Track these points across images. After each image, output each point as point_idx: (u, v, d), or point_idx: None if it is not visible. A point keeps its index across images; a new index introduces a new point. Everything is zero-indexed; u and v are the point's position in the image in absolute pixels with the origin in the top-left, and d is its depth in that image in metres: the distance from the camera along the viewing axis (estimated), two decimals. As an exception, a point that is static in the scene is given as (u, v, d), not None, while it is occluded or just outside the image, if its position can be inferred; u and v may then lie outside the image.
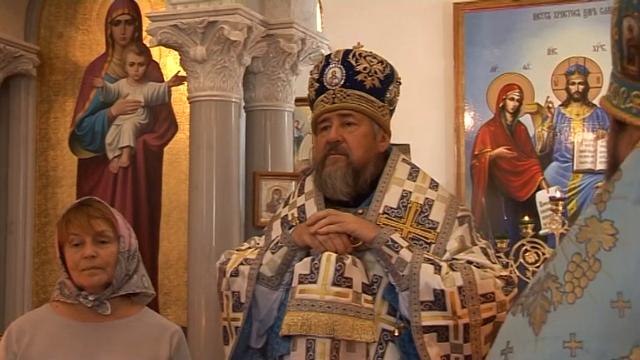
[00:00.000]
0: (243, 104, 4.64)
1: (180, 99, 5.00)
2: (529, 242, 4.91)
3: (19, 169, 5.35)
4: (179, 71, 4.91)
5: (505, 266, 4.75)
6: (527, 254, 4.89)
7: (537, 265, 4.82)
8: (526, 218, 5.08)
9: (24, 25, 5.37)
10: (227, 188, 4.39)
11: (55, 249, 2.60)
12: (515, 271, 4.79)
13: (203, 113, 4.42)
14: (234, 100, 4.47)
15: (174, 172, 5.02)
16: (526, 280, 4.74)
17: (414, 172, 2.66)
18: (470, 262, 2.47)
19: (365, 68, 2.60)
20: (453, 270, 2.43)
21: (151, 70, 5.14)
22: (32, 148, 5.37)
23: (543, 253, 4.86)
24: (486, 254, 2.55)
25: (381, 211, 2.57)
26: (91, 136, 5.23)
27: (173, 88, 5.07)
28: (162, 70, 5.12)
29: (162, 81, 5.10)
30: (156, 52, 5.09)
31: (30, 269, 5.28)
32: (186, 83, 4.64)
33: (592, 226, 0.99)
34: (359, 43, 2.72)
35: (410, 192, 2.60)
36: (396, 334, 2.45)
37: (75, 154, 5.28)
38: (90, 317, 2.55)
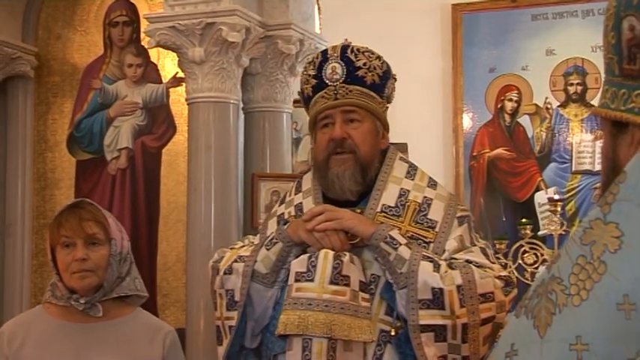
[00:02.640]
0: (241, 105, 4.63)
1: (178, 100, 4.99)
2: (528, 243, 4.92)
3: (17, 170, 5.34)
4: (177, 72, 4.90)
5: (504, 267, 4.75)
6: (525, 255, 4.89)
7: (536, 266, 4.82)
8: (524, 219, 5.08)
9: (22, 26, 5.36)
10: (225, 190, 4.38)
11: (47, 251, 2.59)
12: (514, 272, 4.80)
13: (201, 115, 4.41)
14: (232, 101, 4.46)
15: (173, 173, 5.01)
16: (524, 281, 4.74)
17: (412, 171, 2.62)
18: (469, 262, 2.44)
19: (365, 64, 2.56)
20: (452, 269, 2.39)
21: (149, 72, 5.13)
22: (30, 149, 5.36)
23: (542, 254, 4.86)
24: (485, 254, 2.51)
25: (378, 209, 2.53)
26: (89, 137, 5.22)
27: (171, 90, 5.06)
28: (161, 72, 5.11)
29: (161, 82, 5.09)
30: (154, 54, 5.08)
31: (28, 271, 5.27)
32: (184, 85, 4.63)
33: (597, 229, 0.99)
34: (347, 40, 2.69)
35: (408, 190, 2.56)
36: (393, 333, 2.41)
37: (73, 155, 5.27)
38: (82, 318, 2.53)
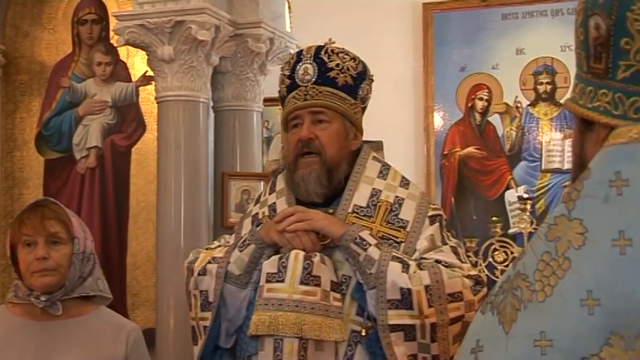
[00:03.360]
0: (211, 104, 4.61)
1: (148, 99, 4.96)
2: (498, 241, 4.94)
3: (-16, 170, 5.29)
4: (147, 71, 4.87)
5: (474, 265, 4.77)
6: (495, 253, 4.92)
7: (506, 264, 4.84)
8: (495, 217, 5.11)
9: (-11, 24, 5.31)
10: (195, 189, 4.36)
11: (6, 249, 2.56)
12: (484, 270, 4.82)
13: (171, 113, 4.39)
14: (202, 100, 4.44)
15: (143, 172, 4.98)
16: (495, 279, 4.77)
17: (385, 170, 2.63)
18: (438, 261, 2.45)
19: (337, 65, 2.57)
20: (421, 269, 2.41)
21: (119, 70, 5.10)
22: (-2, 148, 5.31)
23: (512, 252, 4.88)
24: (456, 253, 2.53)
25: (350, 210, 2.54)
26: (58, 136, 5.18)
27: (141, 88, 5.03)
28: (130, 70, 5.08)
29: (130, 81, 5.06)
30: (123, 52, 5.05)
31: (-4, 271, 5.22)
32: (153, 83, 4.61)
33: (561, 225, 0.99)
34: (330, 39, 2.69)
35: (380, 190, 2.57)
36: (363, 333, 2.42)
37: (41, 154, 5.22)
38: (44, 316, 2.52)
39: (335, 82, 2.56)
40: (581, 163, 1.13)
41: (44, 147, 5.22)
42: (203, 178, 4.42)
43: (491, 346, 0.98)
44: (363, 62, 2.65)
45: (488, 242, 4.95)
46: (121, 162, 5.04)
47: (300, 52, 2.65)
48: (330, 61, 2.57)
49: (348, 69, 2.58)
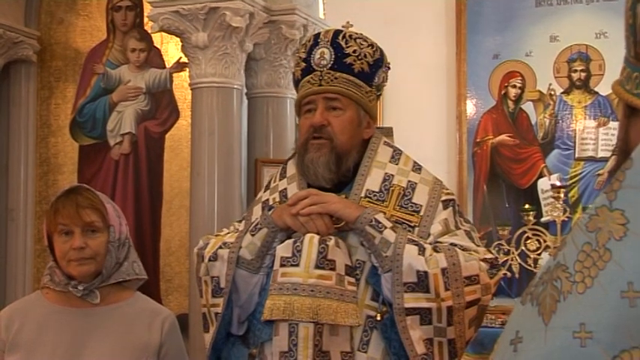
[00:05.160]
0: (245, 91, 4.63)
1: (181, 85, 4.99)
2: (530, 229, 4.91)
3: (19, 155, 5.35)
4: (180, 57, 4.90)
5: (506, 253, 4.76)
6: (528, 241, 4.89)
7: (539, 252, 4.82)
8: (527, 206, 5.08)
9: (24, 10, 5.35)
10: (229, 175, 4.38)
11: (43, 237, 2.57)
12: (517, 258, 4.80)
13: (205, 100, 4.41)
14: (236, 86, 4.46)
15: (176, 158, 5.01)
16: (527, 267, 4.75)
17: (397, 155, 2.59)
18: (454, 245, 2.42)
19: (354, 51, 2.52)
20: (437, 252, 2.37)
21: (153, 57, 5.13)
22: (33, 134, 5.36)
23: (545, 241, 4.86)
24: (470, 237, 2.49)
25: (362, 194, 2.50)
26: (92, 122, 5.22)
27: (175, 75, 5.06)
28: (164, 57, 5.11)
29: (164, 67, 5.09)
30: (157, 39, 5.07)
31: (31, 256, 5.28)
32: (187, 70, 4.63)
33: (602, 216, 0.98)
34: (348, 22, 2.65)
35: (392, 175, 2.54)
36: (378, 318, 2.39)
37: (76, 140, 5.27)
38: (80, 303, 2.52)
39: (351, 68, 2.51)
40: (625, 148, 1.11)
41: (79, 133, 5.27)
42: (236, 164, 4.44)
43: (531, 337, 0.98)
44: (380, 49, 2.59)
45: (520, 230, 4.92)
46: (154, 148, 5.07)
47: (317, 36, 2.59)
48: (348, 47, 2.52)
49: (365, 55, 2.53)
